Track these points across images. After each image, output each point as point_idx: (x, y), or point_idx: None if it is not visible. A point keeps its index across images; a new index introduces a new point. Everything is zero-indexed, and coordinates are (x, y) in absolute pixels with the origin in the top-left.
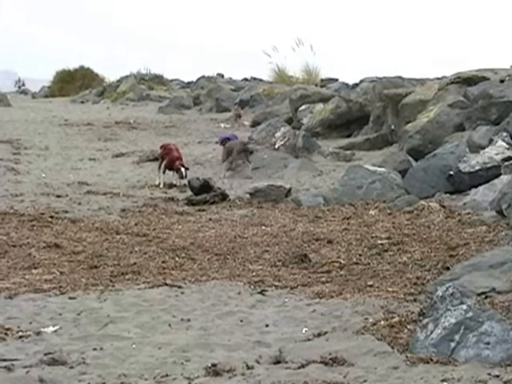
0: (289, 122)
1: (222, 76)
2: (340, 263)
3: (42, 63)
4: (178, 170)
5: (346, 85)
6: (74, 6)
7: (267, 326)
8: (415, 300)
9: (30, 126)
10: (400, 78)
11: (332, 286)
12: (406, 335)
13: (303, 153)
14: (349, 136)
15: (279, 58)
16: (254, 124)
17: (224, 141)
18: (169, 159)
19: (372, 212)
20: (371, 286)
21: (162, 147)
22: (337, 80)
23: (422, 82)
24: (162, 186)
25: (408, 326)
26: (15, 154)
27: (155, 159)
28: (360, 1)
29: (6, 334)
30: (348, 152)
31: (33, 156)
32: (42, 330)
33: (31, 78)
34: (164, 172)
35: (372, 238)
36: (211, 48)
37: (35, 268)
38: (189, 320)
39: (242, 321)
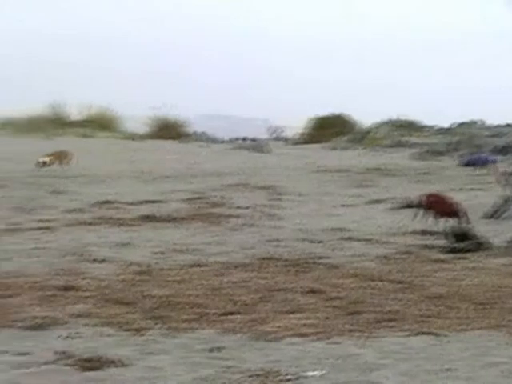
0: None
1: (479, 122)
2: None
3: (296, 110)
4: (461, 215)
5: None
6: None
7: None
8: None
9: (286, 172)
10: None
11: None
12: None
13: None
14: None
15: None
16: None
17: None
18: (447, 206)
19: None
20: None
21: (426, 196)
22: None
23: None
24: (412, 229)
25: None
26: (273, 200)
27: (410, 206)
28: None
29: (270, 377)
30: None
31: (290, 202)
32: (306, 374)
33: (286, 125)
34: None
35: None
36: (472, 91)
37: (296, 312)
38: (451, 370)
39: (502, 372)
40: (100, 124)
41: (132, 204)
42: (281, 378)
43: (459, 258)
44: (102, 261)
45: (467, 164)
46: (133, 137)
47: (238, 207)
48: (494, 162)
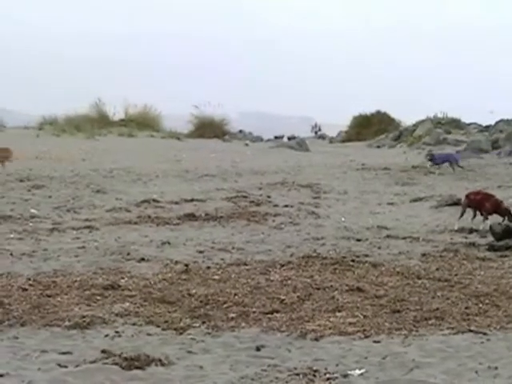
0: None
1: None
2: None
3: (337, 108)
4: (507, 213)
5: None
6: None
7: None
8: None
9: (328, 171)
10: None
11: None
12: None
13: None
14: None
15: None
16: None
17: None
18: (493, 203)
19: None
20: None
21: (472, 194)
22: None
23: None
24: (456, 227)
25: None
26: (315, 198)
27: (454, 204)
28: None
29: (314, 375)
30: None
31: (332, 200)
32: (349, 372)
33: (328, 123)
34: (486, 218)
35: None
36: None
37: (339, 311)
38: (496, 368)
39: None
40: (142, 123)
41: (176, 203)
42: (328, 376)
43: (504, 256)
44: (146, 260)
45: (431, 160)
46: (178, 136)
47: (281, 205)
48: (454, 160)
